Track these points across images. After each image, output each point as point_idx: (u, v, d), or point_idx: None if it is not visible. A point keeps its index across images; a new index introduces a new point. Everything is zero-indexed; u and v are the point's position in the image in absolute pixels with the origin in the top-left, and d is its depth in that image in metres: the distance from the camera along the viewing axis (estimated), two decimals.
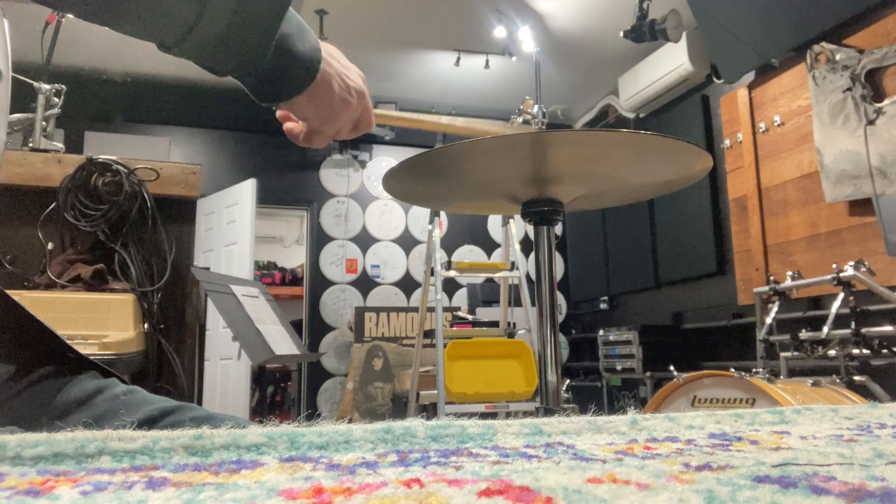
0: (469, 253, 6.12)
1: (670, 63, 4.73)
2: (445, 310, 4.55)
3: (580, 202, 1.17)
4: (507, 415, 2.72)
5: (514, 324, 3.07)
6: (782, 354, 2.60)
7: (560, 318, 5.21)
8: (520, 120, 3.19)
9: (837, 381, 2.12)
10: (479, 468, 0.38)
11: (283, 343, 2.43)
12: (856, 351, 2.26)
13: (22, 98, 2.12)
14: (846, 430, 0.55)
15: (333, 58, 0.67)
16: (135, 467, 0.38)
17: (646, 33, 2.77)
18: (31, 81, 2.06)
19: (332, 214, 5.81)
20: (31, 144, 2.07)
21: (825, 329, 2.29)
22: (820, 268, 3.40)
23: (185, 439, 0.42)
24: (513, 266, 3.15)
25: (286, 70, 0.62)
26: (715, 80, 4.56)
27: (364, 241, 5.86)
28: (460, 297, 5.85)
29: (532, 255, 3.21)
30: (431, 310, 3.14)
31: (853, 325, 2.23)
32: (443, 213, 4.77)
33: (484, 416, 2.48)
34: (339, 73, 0.68)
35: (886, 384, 2.25)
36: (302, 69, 0.63)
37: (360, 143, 5.92)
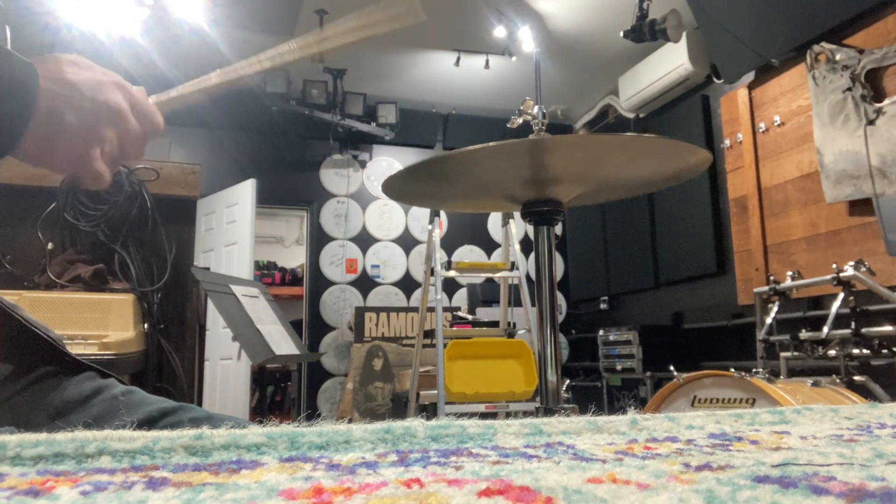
0: (469, 253, 6.12)
1: (670, 63, 4.73)
2: (445, 310, 4.55)
3: (580, 198, 1.17)
4: (507, 415, 2.72)
5: (514, 324, 3.07)
6: (782, 354, 2.60)
7: (560, 318, 5.21)
8: (520, 120, 3.19)
9: (837, 381, 2.12)
10: (479, 468, 0.38)
11: (283, 343, 2.43)
12: (856, 351, 2.26)
13: None
14: (846, 430, 0.55)
15: (66, 98, 0.58)
16: (135, 467, 0.38)
17: (646, 33, 2.76)
18: None
19: (332, 214, 5.81)
20: None
21: (825, 329, 2.29)
22: (820, 268, 3.40)
23: (185, 439, 0.42)
24: (513, 266, 3.15)
25: None
26: (715, 80, 4.56)
27: (364, 241, 5.85)
28: (460, 297, 5.85)
29: (532, 255, 3.20)
30: (431, 310, 3.14)
31: (853, 325, 2.23)
32: (443, 213, 4.76)
33: (484, 416, 2.48)
34: (55, 134, 0.57)
35: (886, 384, 2.25)
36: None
37: (360, 142, 5.92)
